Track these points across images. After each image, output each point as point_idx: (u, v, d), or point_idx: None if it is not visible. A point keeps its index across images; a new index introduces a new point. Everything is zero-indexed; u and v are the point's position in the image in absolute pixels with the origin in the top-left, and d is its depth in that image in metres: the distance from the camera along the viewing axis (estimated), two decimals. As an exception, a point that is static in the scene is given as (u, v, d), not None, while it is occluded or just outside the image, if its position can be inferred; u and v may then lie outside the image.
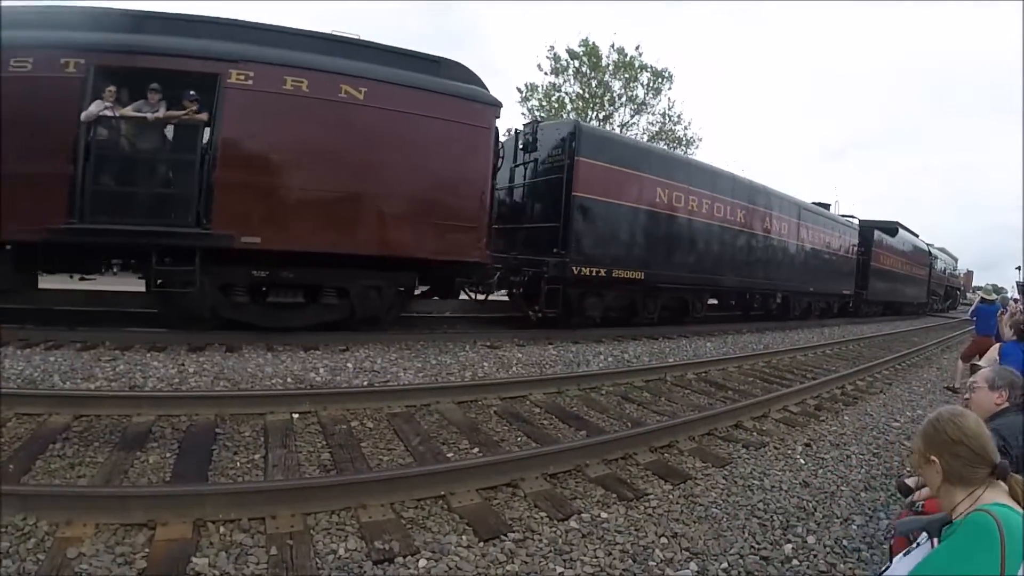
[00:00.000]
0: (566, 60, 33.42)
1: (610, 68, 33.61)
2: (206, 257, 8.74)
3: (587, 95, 32.94)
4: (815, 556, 3.64)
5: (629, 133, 31.59)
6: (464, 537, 3.55)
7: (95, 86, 8.34)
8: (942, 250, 43.80)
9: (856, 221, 26.53)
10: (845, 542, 3.84)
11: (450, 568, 3.23)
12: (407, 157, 9.72)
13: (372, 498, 3.86)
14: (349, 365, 8.10)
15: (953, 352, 14.08)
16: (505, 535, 3.59)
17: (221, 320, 9.38)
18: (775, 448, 5.75)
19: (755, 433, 6.22)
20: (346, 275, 9.82)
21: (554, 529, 3.73)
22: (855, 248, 25.19)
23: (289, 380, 7.24)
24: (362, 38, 9.82)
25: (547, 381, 7.64)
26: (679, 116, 35.16)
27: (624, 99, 34.13)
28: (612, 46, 33.56)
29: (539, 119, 18.89)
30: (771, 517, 4.12)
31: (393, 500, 3.91)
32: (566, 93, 33.25)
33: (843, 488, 4.81)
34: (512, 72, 73.34)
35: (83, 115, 8.22)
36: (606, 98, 33.20)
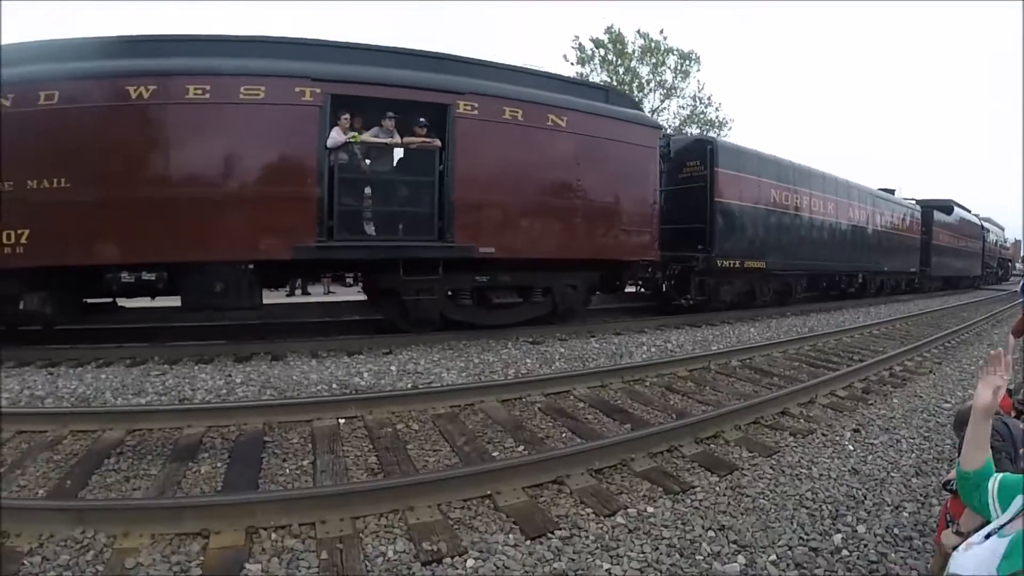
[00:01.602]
0: (591, 49, 33.23)
1: (636, 54, 33.32)
2: (435, 268, 10.03)
3: (615, 82, 32.69)
4: (865, 546, 3.58)
5: (660, 118, 31.25)
6: (511, 536, 3.57)
7: (332, 114, 9.29)
8: (988, 220, 43.06)
9: (914, 202, 28.17)
10: (896, 530, 3.77)
11: (497, 567, 3.25)
12: (599, 175, 11.34)
13: (419, 500, 3.91)
14: (393, 368, 8.17)
15: (1004, 327, 13.74)
16: (552, 533, 3.60)
17: (447, 322, 10.57)
18: (823, 435, 5.66)
19: (802, 420, 6.13)
20: (550, 276, 11.34)
21: (600, 525, 3.73)
22: (919, 228, 26.59)
23: (334, 386, 7.34)
24: (551, 71, 11.75)
25: (590, 375, 7.63)
26: (709, 98, 34.76)
27: (653, 84, 33.77)
28: (638, 32, 33.29)
29: (669, 133, 19.46)
30: (820, 507, 4.06)
31: (440, 501, 3.95)
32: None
33: (893, 474, 4.72)
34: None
35: (329, 141, 9.19)
36: (634, 84, 32.90)
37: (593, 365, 8.64)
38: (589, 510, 3.94)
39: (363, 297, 12.32)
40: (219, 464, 4.80)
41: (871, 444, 5.46)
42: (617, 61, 33.02)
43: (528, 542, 3.52)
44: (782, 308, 16.40)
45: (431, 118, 9.90)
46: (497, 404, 6.48)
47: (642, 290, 14.29)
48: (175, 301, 9.68)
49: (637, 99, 31.65)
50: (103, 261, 8.67)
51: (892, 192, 26.49)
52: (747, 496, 4.19)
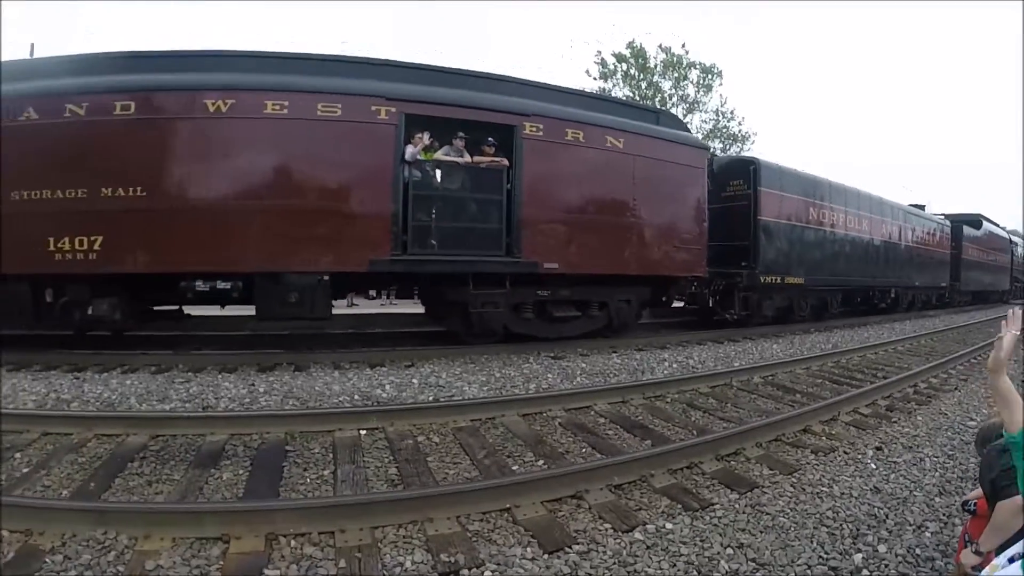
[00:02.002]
0: (613, 64, 33.31)
1: (658, 68, 33.36)
2: (502, 281, 10.52)
3: (638, 97, 32.71)
4: (886, 566, 3.55)
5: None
6: (529, 549, 3.58)
7: (407, 132, 9.73)
8: (1015, 232, 42.62)
9: (943, 217, 28.41)
10: (918, 550, 3.73)
11: (514, 581, 3.26)
12: (653, 194, 11.83)
13: (438, 511, 3.93)
14: (414, 381, 8.21)
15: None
16: (569, 547, 3.60)
17: (509, 334, 10.95)
18: (845, 453, 5.61)
19: (824, 437, 6.08)
20: (606, 291, 11.78)
21: (618, 541, 3.73)
22: (948, 243, 26.89)
23: (356, 397, 7.39)
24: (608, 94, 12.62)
25: (611, 390, 7.61)
26: (732, 112, 34.75)
27: (675, 99, 33.77)
28: (659, 46, 33.40)
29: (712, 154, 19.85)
30: (840, 525, 4.02)
31: (459, 513, 3.97)
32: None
33: (916, 493, 4.67)
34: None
35: (407, 157, 9.64)
36: (657, 99, 32.91)
37: (614, 381, 8.64)
38: (607, 525, 3.93)
39: (396, 309, 12.42)
40: (241, 471, 4.88)
41: (894, 462, 5.40)
42: (639, 76, 33.07)
43: (546, 556, 3.52)
44: (806, 324, 16.29)
45: (498, 138, 10.40)
46: (518, 418, 6.48)
47: (687, 305, 14.70)
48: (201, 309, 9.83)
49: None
50: (178, 269, 9.11)
51: (922, 208, 27.16)
52: (767, 514, 4.16)
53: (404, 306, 16.80)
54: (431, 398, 7.48)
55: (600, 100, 12.03)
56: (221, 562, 3.38)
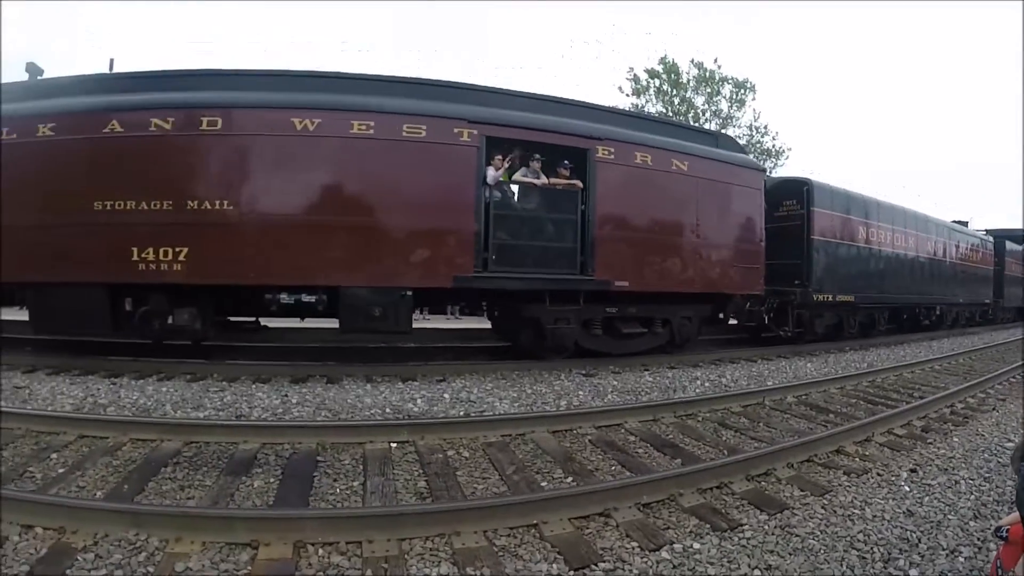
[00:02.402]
0: (646, 80, 33.31)
1: (691, 84, 33.31)
2: (575, 299, 10.91)
3: (671, 113, 32.64)
4: (918, 591, 3.51)
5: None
6: (555, 566, 3.59)
7: (488, 154, 10.15)
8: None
9: (985, 232, 28.20)
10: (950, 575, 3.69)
11: (540, 596, 3.27)
12: (714, 214, 12.21)
13: (466, 525, 3.95)
14: (446, 396, 8.26)
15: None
16: (595, 564, 3.60)
17: (578, 350, 11.28)
18: (878, 474, 5.53)
19: (857, 459, 5.99)
20: (669, 309, 12.12)
21: (645, 559, 3.72)
22: (991, 259, 26.71)
23: (388, 410, 7.45)
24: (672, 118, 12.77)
25: (642, 408, 7.57)
26: (766, 127, 34.50)
27: (708, 114, 33.71)
28: (692, 61, 33.35)
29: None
30: (871, 549, 3.97)
31: (486, 528, 3.99)
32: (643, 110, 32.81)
33: (950, 517, 4.59)
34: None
35: (488, 180, 10.04)
36: (690, 115, 32.82)
37: (646, 399, 8.60)
38: (634, 544, 3.92)
39: (429, 324, 12.55)
40: (272, 480, 4.96)
41: (928, 485, 5.30)
42: (672, 91, 33.02)
43: (572, 572, 3.53)
44: (841, 343, 16.08)
45: (572, 161, 10.78)
46: (548, 435, 6.48)
47: (743, 323, 14.62)
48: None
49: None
50: (263, 282, 9.39)
51: (966, 224, 27.15)
52: (796, 536, 4.12)
53: (436, 321, 16.91)
54: (462, 413, 7.51)
55: (663, 123, 12.68)
56: (249, 567, 3.45)
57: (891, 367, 11.90)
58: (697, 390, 9.39)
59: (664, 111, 32.63)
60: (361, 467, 5.34)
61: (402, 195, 9.56)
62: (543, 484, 5.10)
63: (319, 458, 5.51)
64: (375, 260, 9.44)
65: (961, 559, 3.91)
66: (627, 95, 33.54)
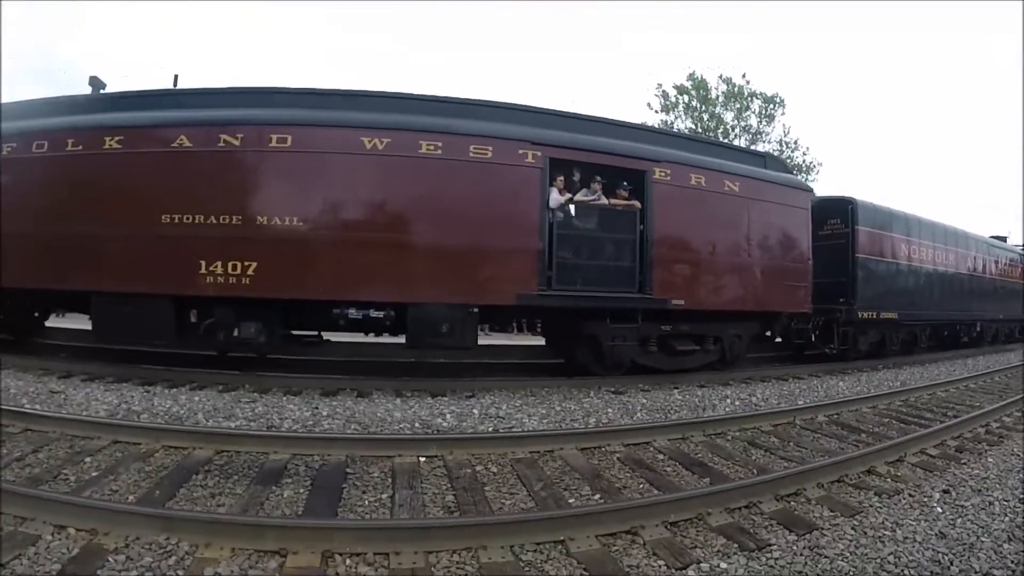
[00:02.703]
0: (675, 96, 33.29)
1: (720, 99, 33.24)
2: (633, 317, 11.13)
3: (700, 129, 32.57)
4: (949, 614, 3.45)
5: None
6: (581, 583, 3.58)
7: (551, 175, 10.43)
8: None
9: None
10: (983, 599, 3.62)
11: (565, 612, 3.26)
12: (764, 234, 12.49)
13: (493, 540, 3.96)
14: (475, 411, 8.30)
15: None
16: (622, 582, 3.59)
17: (633, 366, 11.44)
18: (910, 495, 5.42)
19: (889, 479, 5.89)
20: (720, 326, 12.32)
21: (671, 578, 3.70)
22: None
23: (417, 425, 7.51)
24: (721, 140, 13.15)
25: (671, 427, 7.53)
26: (796, 142, 34.38)
27: (738, 130, 33.62)
28: (720, 76, 33.34)
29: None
30: (902, 571, 3.91)
31: (513, 543, 3.99)
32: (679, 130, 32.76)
33: (983, 539, 4.49)
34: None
35: (551, 201, 10.33)
36: (719, 131, 32.73)
37: (675, 417, 8.56)
38: (661, 562, 3.90)
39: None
40: (301, 490, 5.03)
41: (961, 506, 5.19)
42: (701, 107, 32.98)
43: (598, 589, 3.52)
44: (873, 361, 15.85)
45: (630, 182, 11.11)
46: (576, 452, 6.47)
47: (794, 340, 15.31)
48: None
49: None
50: (332, 297, 9.64)
51: (1004, 239, 27.54)
52: (825, 557, 4.06)
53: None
54: (491, 429, 7.55)
55: (714, 145, 13.22)
56: (277, 574, 3.51)
57: (925, 385, 11.73)
58: (727, 409, 9.35)
59: (693, 127, 32.61)
60: (390, 480, 5.38)
61: (469, 214, 9.83)
62: (570, 501, 5.10)
63: (348, 470, 5.57)
64: (443, 277, 9.71)
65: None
66: (656, 111, 33.63)
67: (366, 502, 4.88)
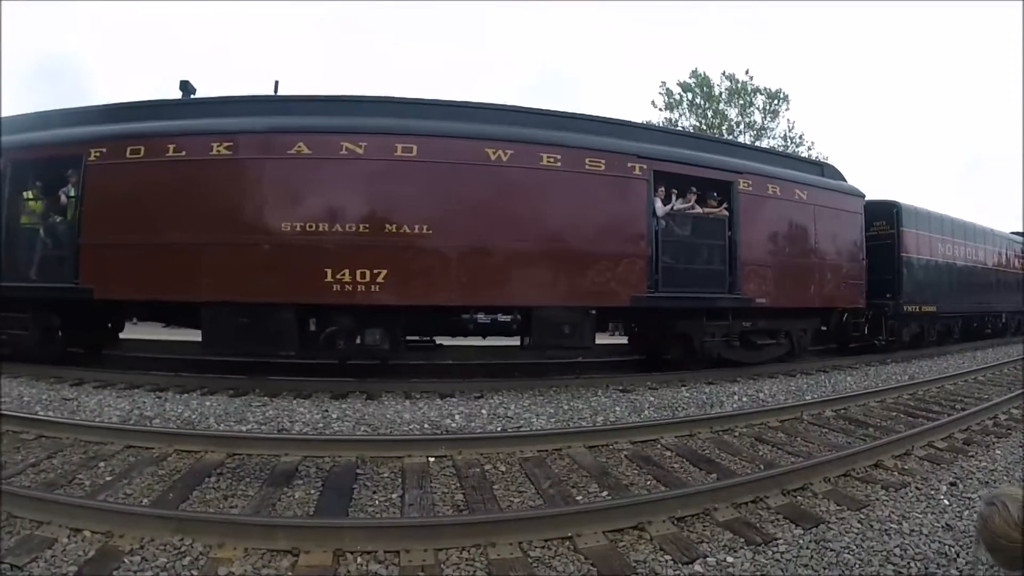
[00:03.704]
0: (679, 94, 33.31)
1: (723, 96, 33.26)
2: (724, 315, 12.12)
3: (704, 127, 32.56)
4: (954, 606, 3.47)
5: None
6: (588, 577, 3.62)
7: (654, 186, 11.16)
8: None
9: None
10: (989, 591, 3.64)
11: (573, 607, 3.31)
12: (827, 237, 13.48)
13: (501, 537, 4.02)
14: (483, 411, 8.35)
15: None
16: (628, 577, 3.63)
17: (718, 360, 12.22)
18: (917, 488, 5.44)
19: (896, 473, 5.91)
20: (790, 322, 13.27)
21: (678, 572, 3.75)
22: None
23: (426, 426, 7.57)
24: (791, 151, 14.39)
25: (678, 424, 7.57)
26: (800, 137, 34.40)
27: (742, 126, 33.66)
28: (723, 73, 33.38)
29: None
30: (908, 563, 3.93)
31: (521, 539, 4.04)
32: (683, 128, 32.72)
33: (991, 532, 4.52)
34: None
35: (658, 210, 11.19)
36: (724, 127, 32.73)
37: (682, 414, 8.59)
38: (668, 557, 3.94)
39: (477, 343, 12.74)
40: (312, 491, 5.11)
41: (968, 499, 5.19)
42: (705, 104, 32.99)
43: (604, 584, 3.56)
44: (866, 356, 15.81)
45: (718, 192, 11.98)
46: (584, 450, 6.51)
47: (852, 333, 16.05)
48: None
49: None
50: (464, 303, 10.04)
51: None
52: (831, 550, 4.09)
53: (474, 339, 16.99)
54: (499, 428, 7.59)
55: (782, 156, 14.33)
56: (290, 573, 3.58)
57: (933, 379, 11.71)
58: (734, 405, 9.37)
59: (698, 124, 32.61)
60: (400, 480, 5.45)
61: (586, 223, 10.45)
62: (578, 498, 5.14)
63: (359, 471, 5.64)
64: (564, 282, 10.26)
65: (1000, 574, 3.86)
66: (660, 109, 33.68)
67: (376, 502, 4.95)
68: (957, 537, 4.37)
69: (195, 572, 3.54)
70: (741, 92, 33.36)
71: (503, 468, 5.91)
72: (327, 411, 8.05)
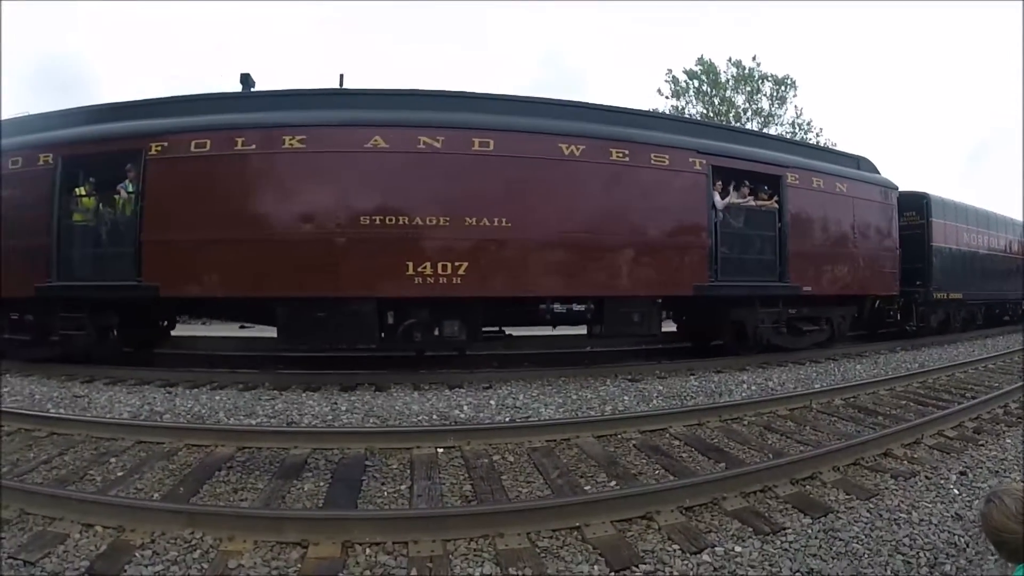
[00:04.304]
0: (685, 81, 33.22)
1: (730, 83, 33.14)
2: (775, 303, 12.77)
3: (711, 114, 32.42)
4: (964, 596, 3.46)
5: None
6: (596, 567, 3.65)
7: (712, 181, 11.68)
8: None
9: None
10: (998, 581, 3.63)
11: (581, 597, 3.32)
12: (864, 227, 14.09)
13: (509, 527, 4.03)
14: (492, 402, 8.38)
15: None
16: (636, 567, 3.65)
17: (766, 345, 12.82)
18: (926, 477, 5.42)
19: (905, 462, 5.88)
20: (830, 309, 14.00)
21: (686, 562, 3.74)
22: None
23: (435, 417, 7.60)
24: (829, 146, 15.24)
25: (687, 413, 7.56)
26: (808, 123, 34.25)
27: (750, 113, 33.53)
28: (729, 60, 33.26)
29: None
30: (917, 553, 3.91)
31: (529, 529, 4.05)
32: (690, 115, 32.61)
33: (1001, 521, 4.49)
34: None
35: (717, 203, 11.71)
36: (731, 114, 32.60)
37: (691, 403, 8.58)
38: (676, 547, 3.94)
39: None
40: (322, 483, 5.14)
41: (978, 488, 5.16)
42: (712, 91, 32.86)
43: (612, 574, 3.58)
44: (891, 343, 15.84)
45: (768, 186, 12.60)
46: (592, 440, 6.51)
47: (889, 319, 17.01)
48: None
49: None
50: (543, 293, 10.47)
51: None
52: (840, 540, 4.08)
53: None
54: (507, 419, 7.62)
55: (822, 150, 15.00)
56: (299, 565, 3.60)
57: (943, 367, 11.66)
58: (743, 394, 9.37)
59: (705, 112, 32.47)
60: (408, 471, 5.47)
61: (652, 215, 11.02)
62: (586, 488, 5.16)
63: (367, 463, 5.66)
64: (634, 273, 10.75)
65: (1010, 565, 3.84)
66: (667, 97, 33.50)
67: (385, 493, 4.97)
68: (967, 527, 4.34)
69: (205, 565, 3.57)
70: (748, 79, 33.19)
71: (511, 458, 5.92)
72: (336, 403, 8.09)
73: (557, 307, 10.62)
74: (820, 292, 13.04)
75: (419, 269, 9.41)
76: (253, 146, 9.36)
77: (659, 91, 34.03)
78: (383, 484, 5.16)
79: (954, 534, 4.21)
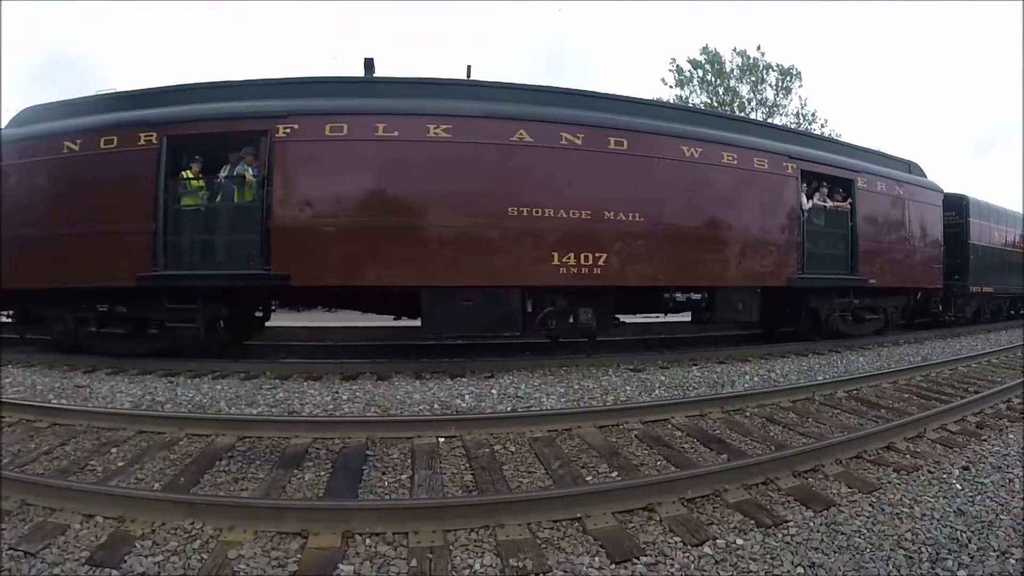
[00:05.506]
0: (689, 71, 33.11)
1: (735, 73, 33.03)
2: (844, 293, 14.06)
3: (715, 103, 32.31)
4: (965, 592, 3.45)
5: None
6: (597, 559, 3.64)
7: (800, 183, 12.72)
8: None
9: None
10: (1000, 577, 3.61)
11: (581, 589, 3.31)
12: (915, 226, 15.44)
13: (510, 517, 4.03)
14: (494, 392, 8.36)
15: None
16: (637, 559, 3.63)
17: (830, 332, 14.04)
18: (929, 472, 5.39)
19: (908, 455, 5.85)
20: (885, 300, 15.35)
21: (687, 554, 3.73)
22: None
23: (436, 406, 7.59)
24: (880, 149, 16.09)
25: (689, 404, 7.53)
26: (813, 114, 34.15)
27: (754, 103, 33.43)
28: (734, 50, 33.13)
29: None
30: (919, 548, 3.89)
31: (530, 520, 4.05)
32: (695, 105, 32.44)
33: (1003, 516, 4.45)
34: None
35: (804, 204, 12.82)
36: (735, 104, 32.50)
37: (693, 394, 8.56)
38: (677, 538, 3.93)
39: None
40: (322, 473, 5.14)
41: (981, 483, 5.15)
42: (716, 81, 32.75)
43: (613, 566, 3.57)
44: (895, 336, 15.79)
45: (841, 188, 13.81)
46: (594, 430, 6.49)
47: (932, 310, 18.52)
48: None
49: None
50: (669, 283, 11.42)
51: None
52: (842, 533, 4.07)
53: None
54: (509, 409, 7.60)
55: (881, 155, 15.48)
56: (299, 555, 3.60)
57: (946, 360, 11.61)
58: (745, 385, 9.34)
59: (709, 101, 32.35)
60: (409, 461, 5.46)
61: (756, 213, 11.99)
62: (588, 478, 5.14)
63: (368, 452, 5.65)
64: (739, 265, 11.73)
65: (1012, 560, 3.81)
66: (671, 87, 33.40)
67: (386, 483, 4.97)
68: (969, 522, 4.33)
69: (205, 555, 3.57)
70: (753, 68, 33.06)
71: (513, 448, 5.91)
72: (337, 392, 8.09)
73: (679, 296, 11.71)
74: (881, 284, 14.24)
75: (563, 260, 9.95)
76: (396, 133, 9.33)
77: (663, 80, 33.99)
78: (384, 474, 5.15)
79: (956, 529, 4.19)
